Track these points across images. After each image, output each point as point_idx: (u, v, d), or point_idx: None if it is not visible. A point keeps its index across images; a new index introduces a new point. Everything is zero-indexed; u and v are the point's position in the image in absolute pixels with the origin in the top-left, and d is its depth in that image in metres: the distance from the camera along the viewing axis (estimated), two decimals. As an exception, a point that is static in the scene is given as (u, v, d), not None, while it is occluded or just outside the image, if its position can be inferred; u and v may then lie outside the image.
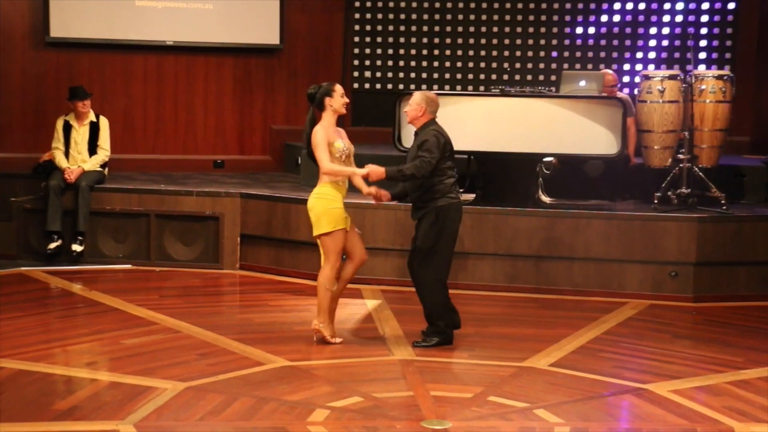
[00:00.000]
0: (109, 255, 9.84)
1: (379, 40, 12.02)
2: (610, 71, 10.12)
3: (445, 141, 7.05)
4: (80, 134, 9.95)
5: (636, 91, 9.45)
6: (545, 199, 9.18)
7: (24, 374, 6.30)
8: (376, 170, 6.97)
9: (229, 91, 11.61)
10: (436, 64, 11.97)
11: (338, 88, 7.09)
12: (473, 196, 9.20)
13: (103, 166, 10.04)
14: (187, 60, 11.43)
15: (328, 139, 6.96)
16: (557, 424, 5.56)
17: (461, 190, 9.26)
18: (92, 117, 10.00)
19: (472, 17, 11.88)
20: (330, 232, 6.93)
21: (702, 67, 11.03)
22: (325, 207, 6.93)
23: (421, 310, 7.23)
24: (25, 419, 5.52)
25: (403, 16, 12.00)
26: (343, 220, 6.98)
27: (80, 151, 9.93)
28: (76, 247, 9.64)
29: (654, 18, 11.52)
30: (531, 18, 11.74)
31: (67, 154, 9.91)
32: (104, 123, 10.06)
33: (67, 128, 9.95)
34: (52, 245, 9.62)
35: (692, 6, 11.41)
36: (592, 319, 7.98)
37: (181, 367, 6.49)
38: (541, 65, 11.74)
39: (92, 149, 9.97)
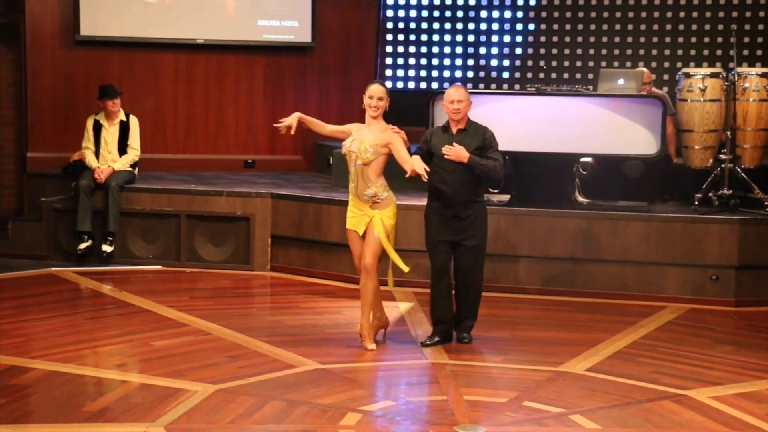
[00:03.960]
0: (139, 256, 9.88)
1: (412, 38, 12.07)
2: (644, 69, 10.10)
3: None
4: (110, 133, 9.99)
5: (676, 90, 9.41)
6: (582, 200, 9.12)
7: (54, 375, 6.32)
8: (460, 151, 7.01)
9: (260, 89, 11.61)
10: (470, 62, 11.97)
11: (368, 89, 7.11)
12: (508, 197, 9.17)
13: (133, 165, 10.09)
14: (218, 58, 11.47)
15: (343, 136, 7.17)
16: (594, 431, 5.51)
17: (495, 191, 9.21)
18: (122, 116, 10.06)
19: (507, 14, 11.85)
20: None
21: (745, 65, 10.89)
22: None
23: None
24: (56, 421, 5.54)
25: (436, 14, 11.99)
26: (349, 221, 7.09)
27: (110, 150, 9.97)
28: (106, 248, 9.68)
29: (695, 14, 11.44)
30: (568, 15, 11.71)
31: (97, 153, 9.96)
32: (134, 122, 10.11)
33: (97, 127, 10.00)
34: (82, 246, 9.66)
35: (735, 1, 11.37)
36: (629, 323, 7.92)
37: (211, 370, 6.50)
38: (579, 63, 11.71)
39: (122, 149, 10.01)
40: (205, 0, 11.30)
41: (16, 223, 10.19)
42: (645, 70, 9.94)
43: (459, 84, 7.46)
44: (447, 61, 11.99)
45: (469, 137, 7.08)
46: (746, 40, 11.26)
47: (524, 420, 5.67)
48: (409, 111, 11.21)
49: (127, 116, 10.07)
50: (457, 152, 6.98)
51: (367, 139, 6.98)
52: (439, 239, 7.13)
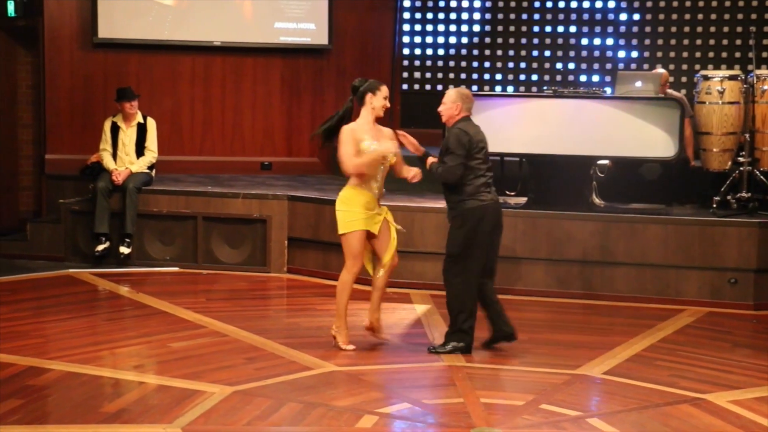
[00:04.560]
0: (157, 257, 9.91)
1: (429, 39, 12.06)
2: (661, 69, 10.07)
3: (469, 139, 6.82)
4: (128, 135, 10.02)
5: (694, 92, 9.39)
6: (599, 202, 9.12)
7: (72, 376, 6.34)
8: (418, 172, 6.99)
9: (277, 92, 11.64)
10: (487, 64, 11.98)
11: (384, 89, 6.95)
12: (525, 199, 9.16)
13: (150, 167, 10.11)
14: (235, 61, 11.49)
15: (356, 137, 6.84)
16: None
17: (512, 193, 9.19)
18: (140, 118, 10.08)
19: (524, 16, 11.88)
20: (344, 233, 6.91)
21: (763, 67, 10.87)
22: (341, 208, 6.94)
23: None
24: (73, 421, 5.56)
25: (453, 16, 12.02)
26: (361, 222, 6.87)
27: (128, 152, 10.00)
28: (124, 249, 9.72)
29: (713, 16, 11.42)
30: (586, 17, 11.69)
31: (114, 155, 9.99)
32: (152, 124, 10.13)
33: (115, 130, 10.03)
34: (100, 247, 9.70)
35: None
36: (647, 326, 7.90)
37: (228, 371, 6.50)
38: (596, 65, 11.70)
39: (140, 151, 10.04)
40: (222, 2, 11.33)
41: (35, 225, 10.25)
42: (663, 71, 9.91)
43: (452, 87, 7.28)
44: (464, 63, 11.98)
45: (444, 140, 7.01)
46: (765, 42, 11.24)
47: (541, 423, 5.65)
48: (425, 112, 11.22)
49: (145, 118, 10.10)
50: (415, 175, 7.01)
51: (389, 142, 6.91)
52: None
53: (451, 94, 6.98)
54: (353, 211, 6.87)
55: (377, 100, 6.88)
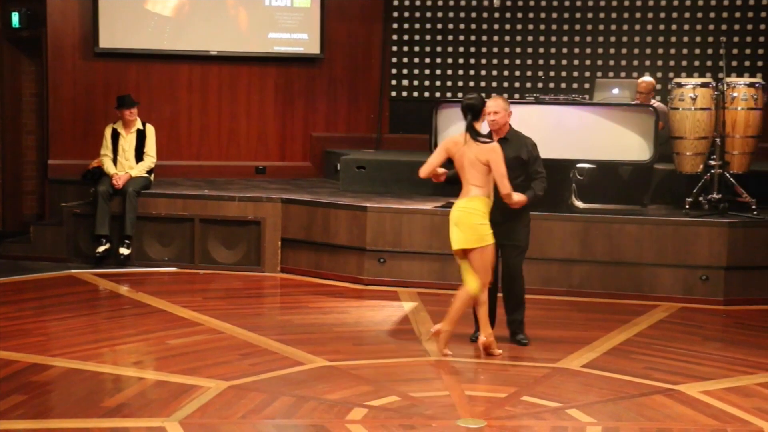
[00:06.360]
0: (155, 258, 9.93)
1: (416, 49, 12.01)
2: (648, 78, 10.06)
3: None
4: (128, 141, 10.06)
5: (668, 99, 9.41)
6: (578, 204, 9.21)
7: (74, 373, 6.40)
8: (521, 198, 6.93)
9: (271, 99, 11.62)
10: (471, 72, 11.93)
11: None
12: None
13: (149, 172, 10.15)
14: (231, 69, 11.45)
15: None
16: (589, 424, 5.59)
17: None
18: (139, 125, 10.11)
19: (507, 26, 11.84)
20: (485, 246, 6.74)
21: (733, 75, 10.96)
22: (482, 222, 6.72)
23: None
24: (75, 416, 5.60)
25: (439, 26, 11.96)
26: (493, 234, 6.79)
27: (128, 157, 10.05)
28: (124, 251, 9.76)
29: (686, 26, 11.47)
30: (565, 27, 11.70)
31: (115, 160, 10.04)
32: (150, 130, 10.17)
33: (115, 136, 10.06)
34: (101, 249, 9.74)
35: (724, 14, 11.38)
36: (624, 321, 7.99)
37: (224, 367, 6.54)
38: (575, 73, 11.70)
39: (139, 156, 10.09)
40: (218, 13, 11.28)
41: (38, 228, 10.23)
42: (650, 79, 9.91)
43: (496, 95, 7.31)
44: (449, 71, 11.93)
45: (509, 147, 6.94)
46: (735, 51, 11.29)
47: (523, 414, 5.73)
48: (414, 119, 11.39)
49: (144, 125, 10.13)
50: (518, 201, 6.88)
51: None
52: None
53: (500, 102, 7.00)
54: (488, 223, 6.75)
55: (485, 114, 6.89)
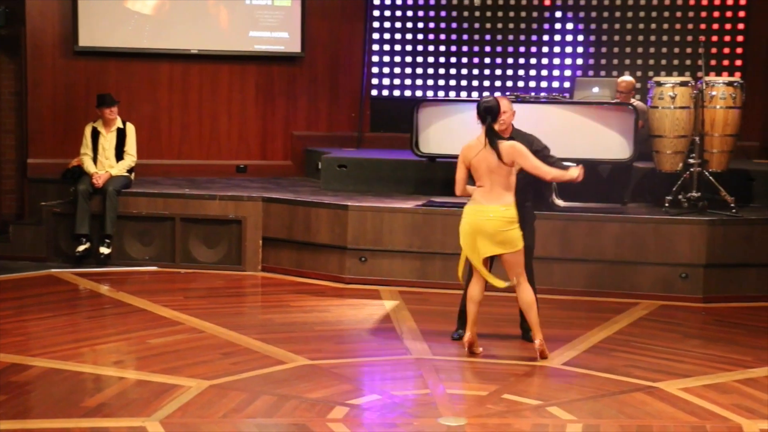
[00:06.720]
0: (136, 257, 9.91)
1: (397, 48, 12.05)
2: (628, 77, 10.11)
3: None
4: (108, 140, 10.05)
5: (648, 97, 9.46)
6: (559, 202, 9.25)
7: (54, 372, 6.38)
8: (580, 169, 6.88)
9: (252, 98, 11.65)
10: (452, 71, 11.99)
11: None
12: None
13: (129, 171, 10.14)
14: (212, 68, 11.47)
15: None
16: (570, 421, 5.62)
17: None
18: (119, 123, 10.10)
19: (488, 25, 11.90)
20: (521, 249, 6.81)
21: (712, 74, 11.03)
22: (515, 235, 6.74)
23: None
24: (55, 416, 5.59)
25: (420, 25, 12.01)
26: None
27: (108, 156, 10.04)
28: (104, 250, 9.75)
29: (666, 26, 11.55)
30: (546, 26, 11.75)
31: (95, 159, 10.03)
32: (131, 129, 10.16)
33: (95, 135, 10.05)
34: (81, 248, 9.72)
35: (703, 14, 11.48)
36: (604, 319, 8.03)
37: (205, 366, 6.55)
38: (556, 72, 11.74)
39: (119, 155, 10.08)
40: (199, 12, 11.30)
41: (17, 227, 10.20)
42: (630, 78, 9.95)
43: (499, 94, 7.22)
44: (431, 70, 12.02)
45: (527, 143, 6.95)
46: (713, 50, 11.39)
47: (504, 412, 5.76)
48: (393, 117, 11.43)
49: (124, 124, 10.12)
50: (580, 173, 6.83)
51: None
52: None
53: (506, 102, 6.94)
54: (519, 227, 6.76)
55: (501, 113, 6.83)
